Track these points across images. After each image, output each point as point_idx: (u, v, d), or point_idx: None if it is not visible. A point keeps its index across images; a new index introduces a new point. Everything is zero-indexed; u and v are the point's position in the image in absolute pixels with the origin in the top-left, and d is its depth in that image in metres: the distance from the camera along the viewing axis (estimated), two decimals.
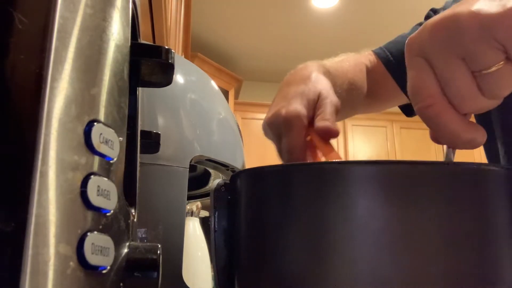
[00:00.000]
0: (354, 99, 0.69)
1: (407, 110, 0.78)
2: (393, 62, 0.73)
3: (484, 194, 0.32)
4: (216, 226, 0.39)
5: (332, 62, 0.66)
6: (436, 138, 0.34)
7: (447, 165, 0.32)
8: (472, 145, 0.34)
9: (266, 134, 0.54)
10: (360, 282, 0.30)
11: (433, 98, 0.32)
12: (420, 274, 0.29)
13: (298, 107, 0.50)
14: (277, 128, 0.51)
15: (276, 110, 0.51)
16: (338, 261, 0.30)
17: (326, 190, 0.31)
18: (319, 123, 0.49)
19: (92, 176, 0.19)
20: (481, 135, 0.33)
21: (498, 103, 0.33)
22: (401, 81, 0.72)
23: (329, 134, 0.48)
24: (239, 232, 0.37)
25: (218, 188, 0.39)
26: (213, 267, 0.40)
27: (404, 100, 0.76)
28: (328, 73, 0.60)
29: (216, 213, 0.39)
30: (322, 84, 0.54)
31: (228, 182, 0.39)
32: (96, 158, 0.20)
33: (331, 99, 0.52)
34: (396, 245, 0.30)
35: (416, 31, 0.35)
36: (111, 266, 0.20)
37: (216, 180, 0.40)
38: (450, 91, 0.32)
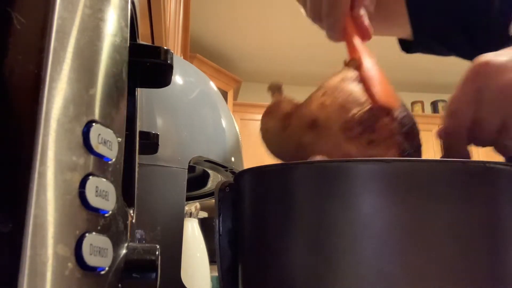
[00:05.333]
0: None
1: (405, 46, 0.71)
2: None
3: (493, 193, 0.31)
4: (220, 227, 0.39)
5: None
6: (441, 136, 0.38)
7: (455, 163, 0.32)
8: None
9: None
10: (366, 282, 0.29)
11: (463, 122, 0.37)
12: (427, 274, 0.29)
13: None
14: None
15: None
16: (344, 261, 0.30)
17: (331, 188, 0.31)
18: (358, 10, 0.48)
19: (90, 177, 0.19)
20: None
21: None
22: (412, 5, 0.66)
23: (363, 31, 0.47)
24: (243, 233, 0.37)
25: (223, 188, 0.39)
26: (218, 268, 0.40)
27: (405, 32, 0.68)
28: None
29: (221, 213, 0.39)
30: None
31: (232, 182, 0.39)
32: (95, 159, 0.20)
33: None
34: (402, 244, 0.30)
35: (502, 68, 0.36)
36: (110, 267, 0.20)
37: (220, 180, 0.40)
38: (478, 129, 0.36)
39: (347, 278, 0.30)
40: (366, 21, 0.48)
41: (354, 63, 0.43)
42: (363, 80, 0.41)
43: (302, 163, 0.35)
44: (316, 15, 0.51)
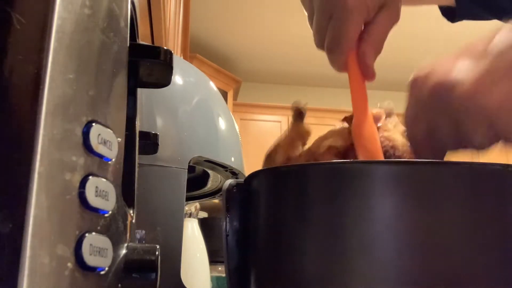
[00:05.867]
0: None
1: (449, 14, 0.66)
2: None
3: (510, 195, 0.31)
4: (228, 227, 0.39)
5: None
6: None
7: (471, 165, 0.31)
8: None
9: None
10: (385, 282, 0.29)
11: (417, 135, 0.37)
12: (448, 276, 0.29)
13: None
14: (330, 4, 0.43)
15: None
16: (357, 262, 0.30)
17: (347, 190, 0.31)
18: (368, 49, 0.43)
19: (90, 177, 0.19)
20: None
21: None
22: None
23: (366, 71, 0.43)
24: (255, 233, 0.37)
25: (230, 188, 0.39)
26: (225, 268, 0.40)
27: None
28: None
29: (229, 214, 0.39)
30: None
31: (241, 182, 0.39)
32: (95, 159, 0.20)
33: (391, 12, 0.44)
34: (423, 246, 0.30)
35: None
36: (109, 267, 0.20)
37: (228, 180, 0.40)
38: (433, 139, 0.36)
39: (360, 278, 0.30)
40: (371, 61, 0.44)
41: (349, 121, 0.42)
42: (355, 147, 0.40)
43: (317, 164, 0.35)
44: (320, 44, 0.47)
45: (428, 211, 0.30)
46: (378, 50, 0.45)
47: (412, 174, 0.31)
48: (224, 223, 0.39)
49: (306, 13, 0.48)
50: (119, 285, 0.22)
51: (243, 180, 0.40)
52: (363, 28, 0.44)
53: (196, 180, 0.67)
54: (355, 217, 0.31)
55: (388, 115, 0.43)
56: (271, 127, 3.71)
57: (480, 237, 0.30)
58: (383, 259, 0.30)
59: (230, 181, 0.39)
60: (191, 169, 0.58)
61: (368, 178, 0.31)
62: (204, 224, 1.03)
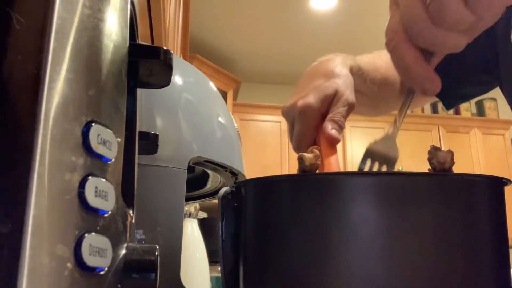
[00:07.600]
0: (388, 95, 0.69)
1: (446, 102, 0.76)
2: None
3: (469, 202, 0.34)
4: (223, 232, 0.41)
5: (365, 57, 0.67)
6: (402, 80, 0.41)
7: (435, 176, 0.35)
8: (422, 87, 0.38)
9: (285, 118, 0.59)
10: (353, 283, 0.32)
11: (394, 33, 0.38)
12: (407, 276, 0.32)
13: (312, 101, 0.53)
14: (292, 117, 0.56)
15: (293, 101, 0.55)
16: (335, 264, 0.33)
17: (326, 198, 0.34)
18: (327, 124, 0.52)
19: (90, 177, 0.19)
20: (432, 80, 0.38)
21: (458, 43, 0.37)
22: None
23: (330, 140, 0.51)
24: (246, 236, 0.39)
25: (225, 195, 0.41)
26: (221, 271, 0.41)
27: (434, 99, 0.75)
28: (357, 68, 0.62)
29: (224, 219, 0.41)
30: (342, 80, 0.55)
31: (234, 190, 0.41)
32: (94, 159, 0.20)
33: (346, 97, 0.53)
34: (386, 250, 0.32)
35: None
36: (109, 268, 0.20)
37: (223, 188, 0.42)
38: (404, 20, 0.37)
39: (337, 281, 0.32)
40: (333, 132, 0.51)
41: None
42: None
43: (302, 175, 0.37)
44: (296, 148, 0.56)
45: (389, 218, 0.33)
46: (340, 126, 0.52)
47: (378, 184, 0.33)
48: (220, 228, 0.41)
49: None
50: (119, 285, 0.22)
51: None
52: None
53: (196, 180, 0.67)
54: (331, 223, 0.33)
55: None
56: (271, 127, 3.70)
57: (439, 241, 0.33)
58: (354, 262, 0.32)
59: (225, 189, 0.41)
60: (191, 169, 0.58)
61: (343, 188, 0.34)
62: (204, 224, 1.03)
